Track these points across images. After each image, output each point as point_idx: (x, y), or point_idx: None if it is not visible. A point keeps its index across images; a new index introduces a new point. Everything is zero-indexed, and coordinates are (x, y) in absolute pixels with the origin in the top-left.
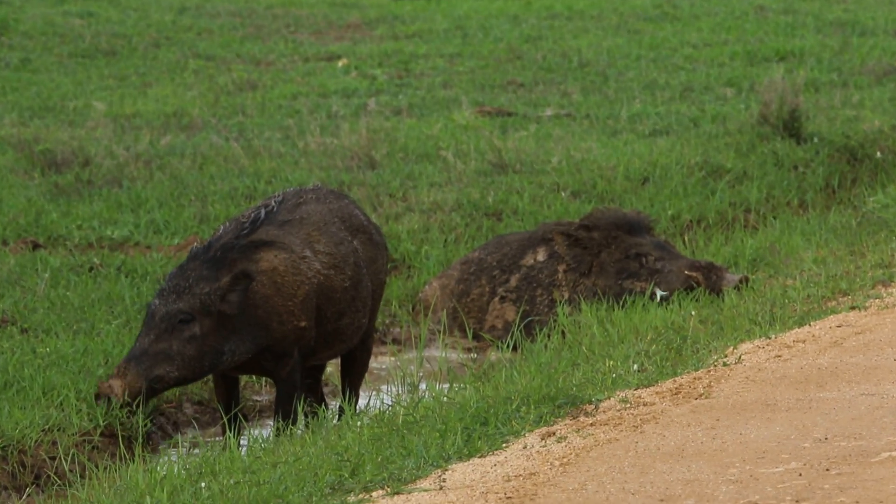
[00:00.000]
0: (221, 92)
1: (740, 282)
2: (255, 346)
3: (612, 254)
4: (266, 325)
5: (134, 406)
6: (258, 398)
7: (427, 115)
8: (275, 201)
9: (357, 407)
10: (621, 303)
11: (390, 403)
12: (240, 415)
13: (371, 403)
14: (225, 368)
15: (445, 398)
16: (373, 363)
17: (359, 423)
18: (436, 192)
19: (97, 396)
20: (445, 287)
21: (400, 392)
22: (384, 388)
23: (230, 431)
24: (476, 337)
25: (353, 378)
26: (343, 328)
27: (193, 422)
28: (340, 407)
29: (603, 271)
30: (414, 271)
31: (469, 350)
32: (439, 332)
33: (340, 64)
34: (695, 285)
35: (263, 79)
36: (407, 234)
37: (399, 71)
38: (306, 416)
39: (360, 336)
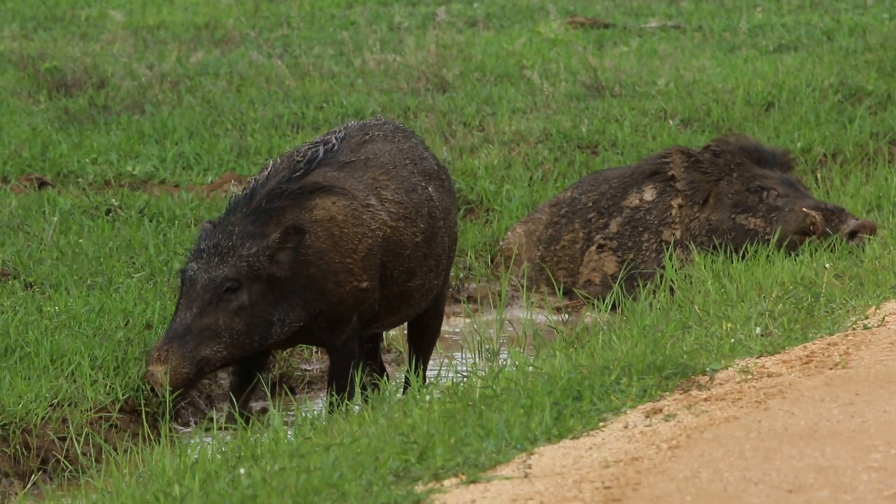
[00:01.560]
0: None
1: (860, 231)
2: (307, 312)
3: (732, 183)
4: (321, 286)
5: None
6: (307, 367)
7: (508, 27)
8: (336, 138)
9: (426, 378)
10: (731, 241)
11: (465, 374)
12: (286, 387)
13: (442, 374)
14: (273, 343)
15: (531, 368)
16: (444, 326)
17: (428, 398)
18: (519, 119)
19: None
20: (531, 233)
21: (477, 361)
22: (458, 355)
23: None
24: (567, 293)
25: (421, 345)
26: (412, 291)
27: (231, 396)
28: (406, 377)
29: (719, 203)
30: (493, 215)
31: (559, 310)
32: (523, 287)
33: None
34: (811, 228)
35: None
36: (485, 170)
37: None
38: (365, 388)
39: (432, 298)
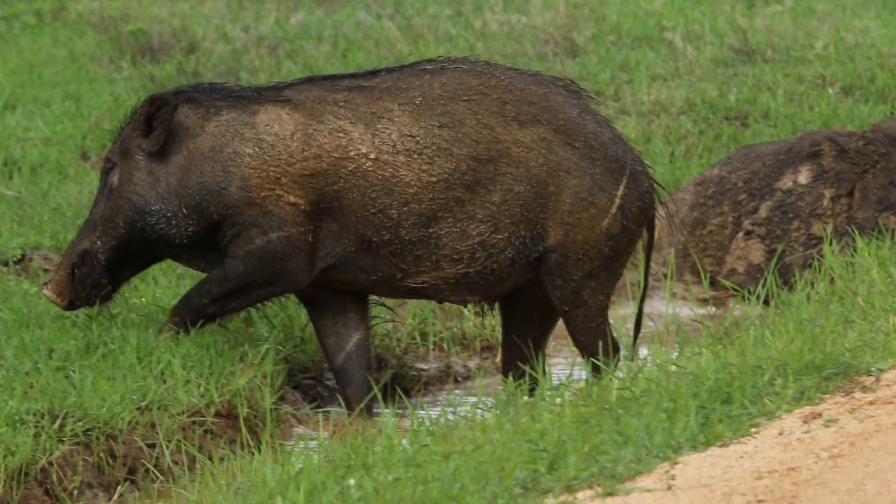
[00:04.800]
0: None
1: None
2: (195, 214)
3: (876, 176)
4: (221, 187)
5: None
6: (423, 367)
7: None
8: (403, 65)
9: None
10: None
11: (600, 374)
12: (399, 389)
13: (574, 374)
14: (175, 252)
15: (674, 367)
16: None
17: (559, 401)
18: (659, 87)
19: None
20: (673, 216)
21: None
22: None
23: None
24: (714, 283)
25: (530, 327)
26: (442, 240)
27: (339, 398)
28: (531, 375)
29: (864, 199)
30: None
31: (705, 302)
32: (665, 277)
33: None
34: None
35: None
36: None
37: None
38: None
39: (492, 258)
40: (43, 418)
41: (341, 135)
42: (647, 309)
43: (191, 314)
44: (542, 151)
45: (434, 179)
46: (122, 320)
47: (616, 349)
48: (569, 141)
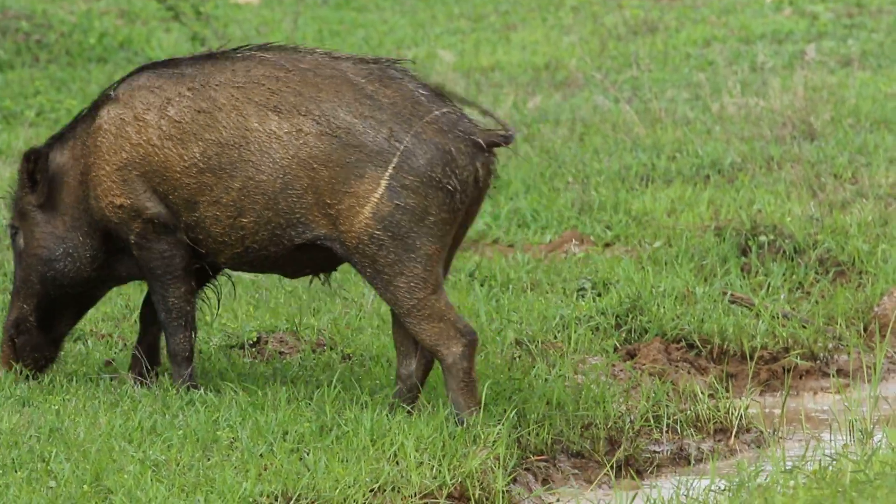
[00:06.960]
0: (609, 37)
1: None
2: (88, 237)
3: None
4: (88, 202)
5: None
6: (656, 448)
7: (886, 67)
8: (225, 52)
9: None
10: None
11: (834, 456)
12: (632, 471)
13: (808, 456)
14: (92, 286)
15: None
16: (811, 403)
17: (791, 483)
18: None
19: None
20: None
21: (847, 442)
22: (826, 436)
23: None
24: None
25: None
26: (206, 224)
27: (571, 479)
28: None
29: None
30: (867, 278)
31: None
32: None
33: None
34: None
35: (665, 18)
36: (857, 227)
37: (849, 7)
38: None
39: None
40: (276, 500)
41: (139, 122)
42: (883, 391)
43: (181, 346)
44: (294, 143)
45: (186, 164)
46: (355, 403)
47: (465, 335)
48: (328, 131)
